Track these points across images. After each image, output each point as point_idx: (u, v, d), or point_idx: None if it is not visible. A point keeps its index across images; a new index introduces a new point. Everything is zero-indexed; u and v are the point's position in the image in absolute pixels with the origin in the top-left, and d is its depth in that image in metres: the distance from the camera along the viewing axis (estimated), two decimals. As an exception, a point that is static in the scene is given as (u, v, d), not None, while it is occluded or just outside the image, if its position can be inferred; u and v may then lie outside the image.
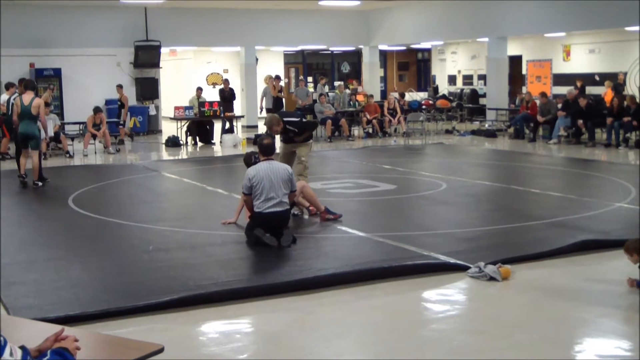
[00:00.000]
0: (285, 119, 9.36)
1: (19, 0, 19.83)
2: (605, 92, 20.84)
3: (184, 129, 19.29)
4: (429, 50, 30.55)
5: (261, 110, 21.68)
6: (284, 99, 21.70)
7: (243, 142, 18.43)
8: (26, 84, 12.52)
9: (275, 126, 9.19)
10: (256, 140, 14.55)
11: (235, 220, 8.77)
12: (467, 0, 21.24)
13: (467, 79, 27.45)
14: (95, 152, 17.47)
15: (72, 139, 17.79)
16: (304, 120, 9.54)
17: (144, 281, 6.54)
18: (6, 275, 6.71)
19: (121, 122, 19.49)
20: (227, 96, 20.76)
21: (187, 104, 19.72)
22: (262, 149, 8.11)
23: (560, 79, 23.54)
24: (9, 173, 13.55)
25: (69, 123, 18.92)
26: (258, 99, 22.66)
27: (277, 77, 21.97)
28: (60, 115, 19.96)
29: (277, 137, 9.65)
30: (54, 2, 20.72)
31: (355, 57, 31.47)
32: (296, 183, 8.39)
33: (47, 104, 17.17)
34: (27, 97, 12.12)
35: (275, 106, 20.68)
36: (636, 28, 18.26)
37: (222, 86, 21.56)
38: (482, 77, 25.39)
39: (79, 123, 18.66)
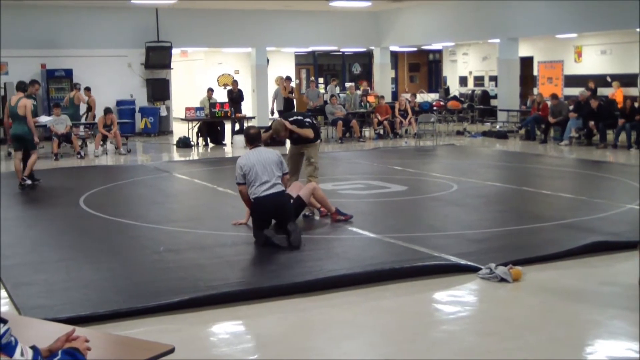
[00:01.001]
0: (289, 119, 9.39)
1: (32, 0, 19.93)
2: (613, 92, 20.78)
3: (195, 129, 19.32)
4: (440, 52, 30.50)
5: (272, 112, 21.65)
6: (294, 100, 21.69)
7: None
8: (17, 85, 12.28)
9: (282, 132, 9.23)
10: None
11: (246, 221, 8.76)
12: (478, 0, 21.20)
13: (478, 80, 27.39)
14: (107, 153, 17.53)
15: (83, 140, 17.85)
16: (307, 123, 9.50)
17: (154, 282, 6.55)
18: (17, 276, 6.75)
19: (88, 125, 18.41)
20: (235, 97, 20.77)
21: (198, 105, 19.75)
22: (248, 137, 8.29)
23: (572, 80, 23.44)
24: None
25: (80, 124, 18.97)
26: (269, 100, 22.63)
27: (288, 78, 21.96)
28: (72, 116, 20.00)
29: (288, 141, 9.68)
30: (65, 3, 20.79)
31: (366, 58, 31.47)
32: (308, 183, 8.39)
33: (58, 106, 17.28)
34: (15, 98, 11.93)
35: (286, 107, 20.67)
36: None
37: (231, 87, 21.60)
38: (494, 79, 25.34)
39: (90, 124, 18.71)
